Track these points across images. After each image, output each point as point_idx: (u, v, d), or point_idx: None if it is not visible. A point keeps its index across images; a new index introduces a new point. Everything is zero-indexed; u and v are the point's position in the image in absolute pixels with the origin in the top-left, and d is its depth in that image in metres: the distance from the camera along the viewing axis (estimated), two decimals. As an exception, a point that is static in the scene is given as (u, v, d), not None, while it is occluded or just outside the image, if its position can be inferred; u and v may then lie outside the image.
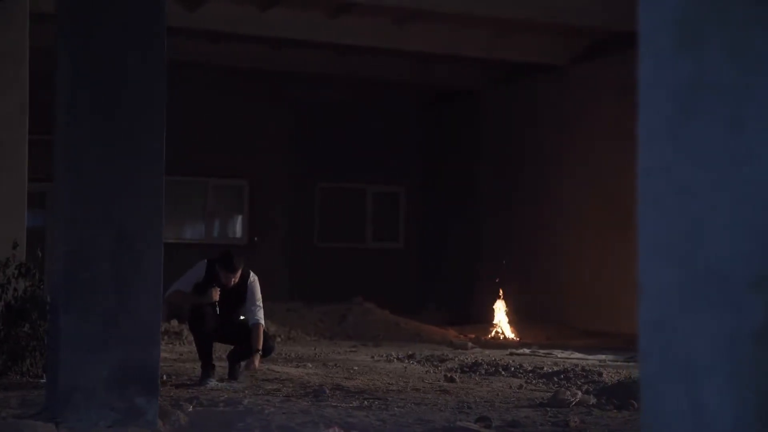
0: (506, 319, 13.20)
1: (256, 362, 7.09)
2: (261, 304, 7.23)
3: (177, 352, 9.71)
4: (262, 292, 7.34)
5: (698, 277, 1.43)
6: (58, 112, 5.10)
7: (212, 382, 6.87)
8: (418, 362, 9.17)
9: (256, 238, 15.66)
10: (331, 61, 14.43)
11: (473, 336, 12.63)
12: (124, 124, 4.95)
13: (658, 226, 1.51)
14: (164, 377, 6.94)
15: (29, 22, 8.13)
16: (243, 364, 7.18)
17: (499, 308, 13.35)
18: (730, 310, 1.36)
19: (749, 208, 1.36)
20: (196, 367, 7.37)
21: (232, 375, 7.19)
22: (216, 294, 7.01)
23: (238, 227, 16.10)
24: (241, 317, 7.25)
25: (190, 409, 5.58)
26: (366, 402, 6.19)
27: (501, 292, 13.47)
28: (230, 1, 12.02)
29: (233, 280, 7.10)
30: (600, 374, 7.79)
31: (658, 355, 1.50)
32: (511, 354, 10.17)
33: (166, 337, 10.42)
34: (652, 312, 1.51)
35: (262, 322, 7.17)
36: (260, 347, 7.08)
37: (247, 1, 12.09)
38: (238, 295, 7.19)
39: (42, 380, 6.51)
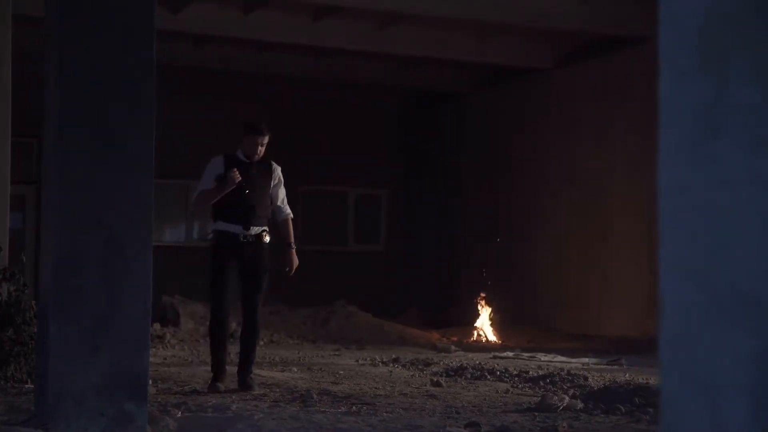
0: (488, 322, 13.23)
1: (294, 259, 7.15)
2: (284, 189, 7.30)
3: (161, 356, 9.66)
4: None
5: (721, 296, 1.43)
6: (48, 116, 5.06)
7: (220, 387, 6.83)
8: (403, 366, 9.17)
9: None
10: (314, 64, 14.41)
11: (456, 339, 12.65)
12: (114, 128, 4.92)
13: (678, 244, 1.52)
14: (150, 382, 6.90)
15: (14, 24, 8.07)
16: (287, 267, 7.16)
17: (481, 311, 13.38)
18: (755, 330, 1.37)
19: (773, 228, 1.37)
20: (182, 372, 7.34)
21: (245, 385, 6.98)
22: (236, 174, 6.90)
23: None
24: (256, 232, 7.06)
25: (179, 414, 5.56)
26: (354, 407, 6.18)
27: (482, 294, 13.50)
28: (214, 3, 11.99)
29: (261, 147, 7.08)
30: (585, 378, 7.82)
31: (680, 372, 1.51)
32: (495, 357, 10.19)
33: (149, 341, 10.35)
34: (674, 329, 1.51)
35: (291, 214, 7.32)
36: (292, 240, 7.21)
37: (230, 4, 12.06)
38: (263, 179, 7.15)
39: (27, 386, 6.45)
